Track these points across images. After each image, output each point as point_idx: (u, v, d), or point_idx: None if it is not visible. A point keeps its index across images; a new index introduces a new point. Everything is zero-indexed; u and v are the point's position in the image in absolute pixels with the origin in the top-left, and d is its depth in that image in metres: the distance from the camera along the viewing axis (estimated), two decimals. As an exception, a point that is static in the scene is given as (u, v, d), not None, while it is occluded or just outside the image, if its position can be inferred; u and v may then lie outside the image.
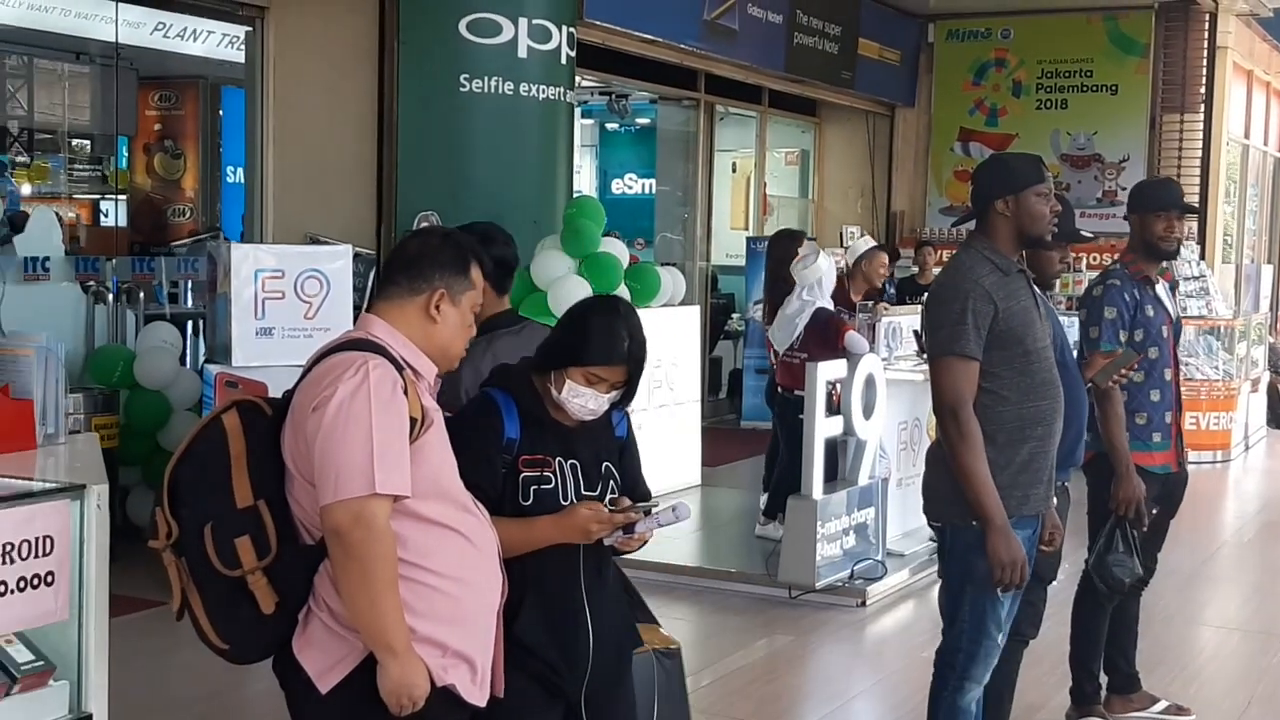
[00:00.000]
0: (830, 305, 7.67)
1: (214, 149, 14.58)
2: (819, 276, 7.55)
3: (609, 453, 3.25)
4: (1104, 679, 5.32)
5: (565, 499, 3.14)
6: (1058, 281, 5.35)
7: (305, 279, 6.72)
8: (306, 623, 2.78)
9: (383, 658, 2.69)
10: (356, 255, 7.57)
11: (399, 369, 2.77)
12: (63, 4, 10.99)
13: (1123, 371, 4.69)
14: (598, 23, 10.28)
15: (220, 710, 5.21)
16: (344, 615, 2.72)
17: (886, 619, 6.87)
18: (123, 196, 14.71)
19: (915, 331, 7.97)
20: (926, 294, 4.25)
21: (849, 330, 7.44)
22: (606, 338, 3.15)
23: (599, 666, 3.16)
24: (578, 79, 9.69)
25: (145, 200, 14.64)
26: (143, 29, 11.38)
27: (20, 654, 2.92)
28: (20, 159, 13.93)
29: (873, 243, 8.72)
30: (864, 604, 6.91)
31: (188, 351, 8.29)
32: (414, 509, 2.75)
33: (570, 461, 3.16)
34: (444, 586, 2.80)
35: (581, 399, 3.14)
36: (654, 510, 3.15)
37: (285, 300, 6.66)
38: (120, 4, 9.71)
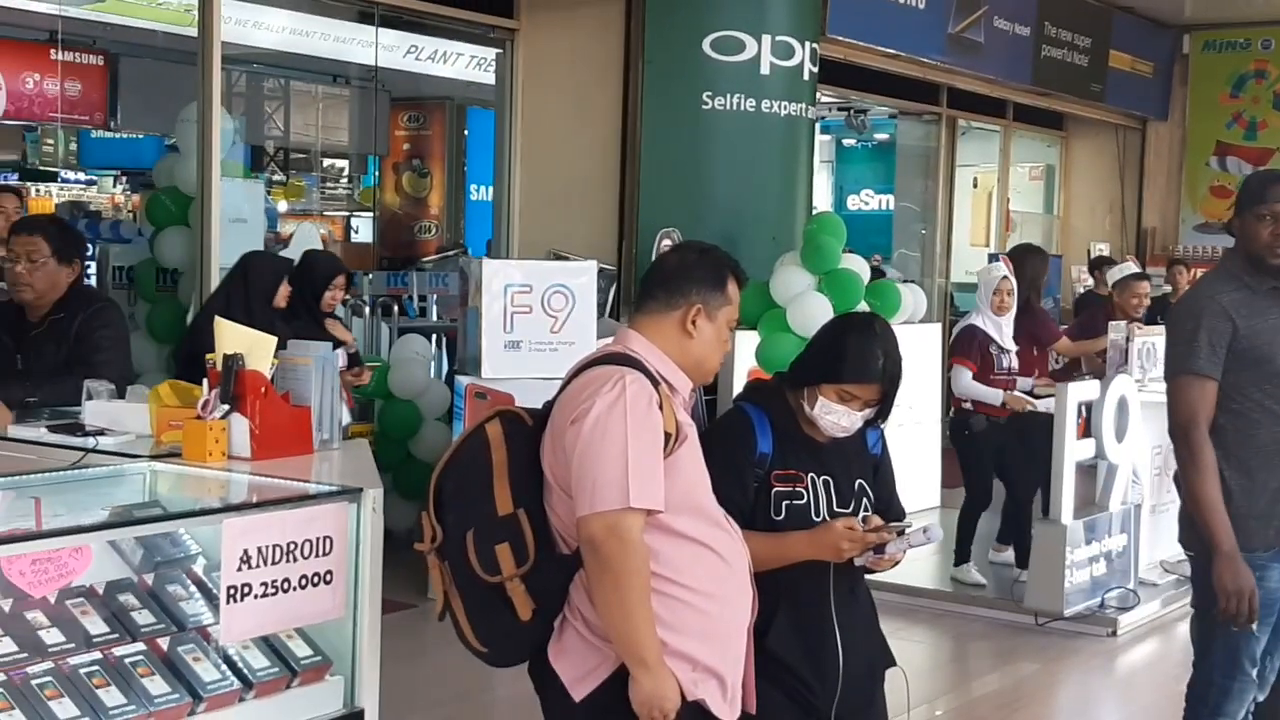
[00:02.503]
0: (985, 322, 7.08)
1: (459, 168, 15.05)
2: (981, 289, 7.21)
3: (863, 470, 3.23)
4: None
5: (817, 515, 3.13)
6: None
7: (552, 294, 6.88)
8: (562, 631, 2.84)
9: (635, 670, 2.73)
10: (599, 271, 7.71)
11: (655, 384, 2.80)
12: (323, 29, 11.50)
13: None
14: (840, 38, 10.23)
15: (468, 712, 5.35)
16: (598, 625, 2.77)
17: (1138, 650, 6.63)
18: (370, 213, 15.31)
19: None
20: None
21: (958, 362, 7.03)
22: (861, 356, 3.14)
23: (850, 685, 3.14)
24: (817, 95, 9.67)
25: (393, 217, 15.20)
26: (396, 52, 11.84)
27: (300, 649, 3.07)
28: (276, 177, 14.63)
29: (1132, 269, 8.42)
30: (1114, 634, 6.68)
31: (440, 363, 8.57)
32: (667, 523, 2.78)
33: (823, 477, 3.15)
34: (696, 601, 2.82)
35: (834, 416, 3.13)
36: (906, 531, 3.12)
37: (532, 314, 6.82)
38: (379, 28, 10.11)
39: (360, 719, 3.12)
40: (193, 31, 7.74)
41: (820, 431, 3.17)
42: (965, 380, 7.00)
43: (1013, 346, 7.12)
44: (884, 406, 3.19)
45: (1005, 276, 7.12)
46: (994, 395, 6.97)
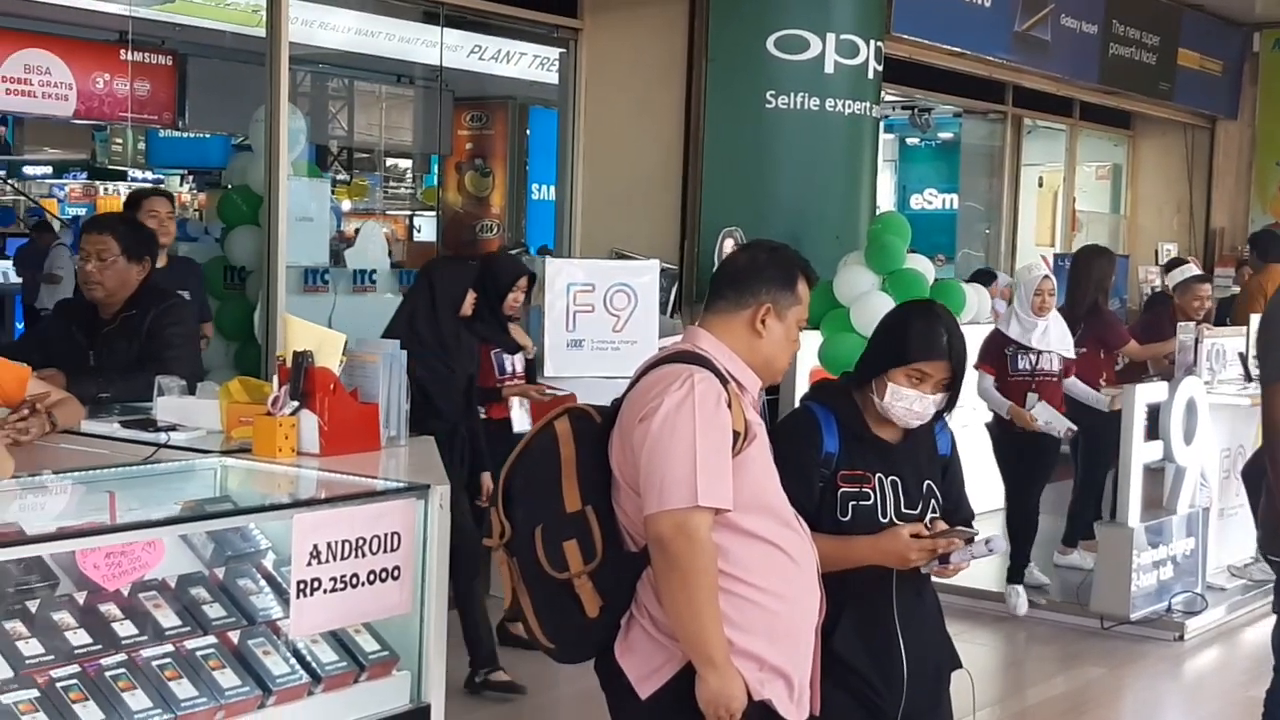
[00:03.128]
0: (1011, 323, 6.87)
1: (521, 167, 15.11)
2: (1021, 289, 6.96)
3: (931, 471, 3.20)
4: None
5: (884, 516, 3.11)
6: None
7: (614, 293, 6.90)
8: (629, 628, 2.84)
9: (702, 668, 2.72)
10: (661, 270, 7.72)
11: (724, 382, 2.80)
12: (388, 29, 11.58)
13: None
14: (905, 36, 10.17)
15: (530, 709, 5.36)
16: (665, 623, 2.77)
17: (1205, 655, 6.53)
18: (432, 212, 15.40)
19: (1240, 354, 7.58)
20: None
21: (978, 368, 6.81)
22: (926, 335, 3.13)
23: (915, 688, 3.12)
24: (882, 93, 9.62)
25: (455, 216, 15.28)
26: (460, 52, 11.89)
27: (368, 643, 3.10)
28: (340, 177, 14.76)
29: (1193, 271, 8.29)
30: (1182, 638, 6.59)
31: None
32: (736, 522, 2.77)
33: (891, 478, 3.13)
34: (763, 601, 2.81)
35: (906, 401, 3.10)
36: (974, 538, 3.09)
37: (595, 313, 6.85)
38: (444, 28, 10.17)
39: (426, 714, 3.14)
40: (259, 31, 7.82)
41: (889, 430, 3.15)
42: (982, 386, 6.85)
43: (1047, 347, 6.82)
44: (953, 389, 3.16)
45: (1046, 276, 6.94)
46: (1001, 405, 6.78)
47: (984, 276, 10.82)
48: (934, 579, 3.24)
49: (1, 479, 2.97)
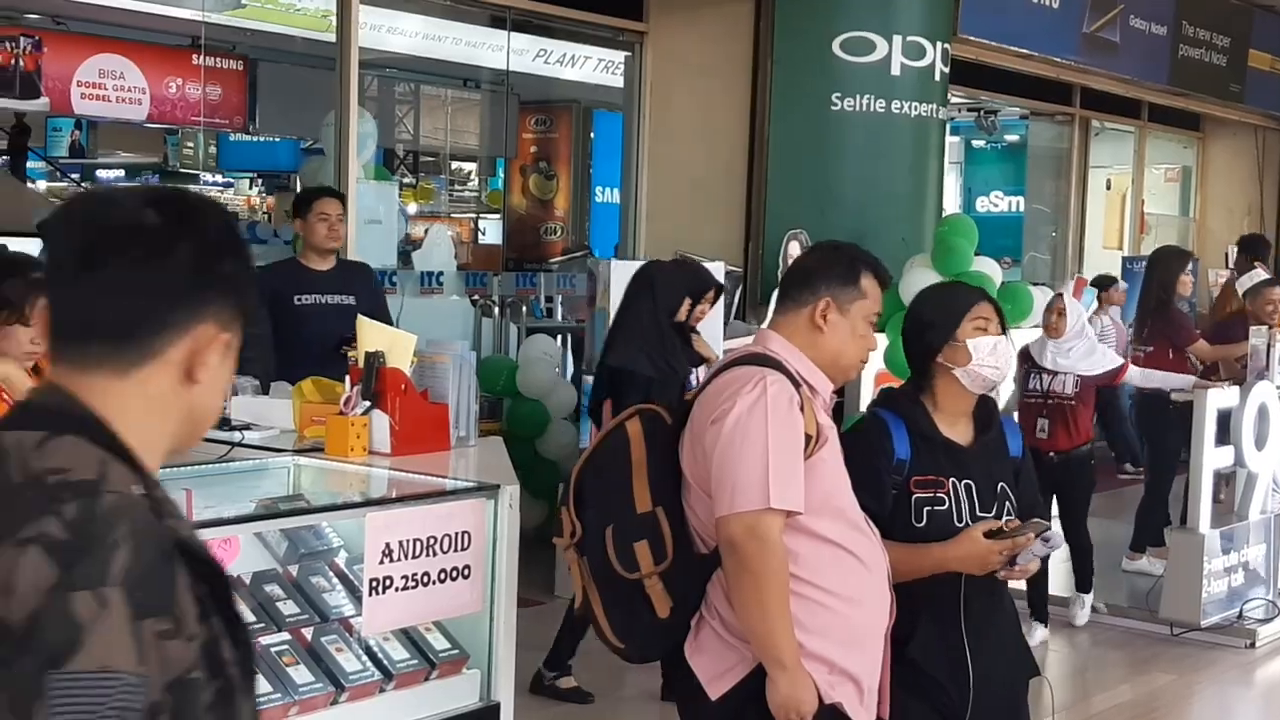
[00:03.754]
0: (1034, 344, 6.64)
1: (585, 170, 15.14)
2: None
3: (1004, 473, 3.17)
4: None
5: (959, 521, 3.08)
6: None
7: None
8: (699, 629, 2.85)
9: (772, 670, 2.72)
10: (726, 273, 7.71)
11: (795, 385, 2.80)
12: (455, 34, 11.66)
13: None
14: (972, 38, 10.11)
15: (597, 708, 5.38)
16: (735, 625, 2.76)
17: (1277, 662, 6.44)
18: (496, 215, 15.47)
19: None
20: None
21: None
22: (952, 290, 3.25)
23: (992, 694, 3.09)
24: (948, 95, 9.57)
25: (519, 219, 15.34)
26: (526, 56, 11.96)
27: (438, 641, 3.13)
28: (406, 180, 14.87)
29: (1262, 276, 8.18)
30: (1253, 645, 6.50)
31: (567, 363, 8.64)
32: (807, 525, 2.77)
33: (964, 481, 3.10)
34: (833, 604, 2.80)
35: (988, 347, 3.09)
36: (1048, 536, 3.06)
37: (660, 315, 6.82)
38: (511, 33, 10.23)
39: (496, 712, 3.17)
40: (328, 36, 7.90)
41: (964, 428, 3.12)
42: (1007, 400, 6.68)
43: (1064, 369, 6.50)
44: (1004, 327, 3.19)
45: (1058, 294, 6.69)
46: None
47: (1104, 281, 10.78)
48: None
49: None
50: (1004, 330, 3.17)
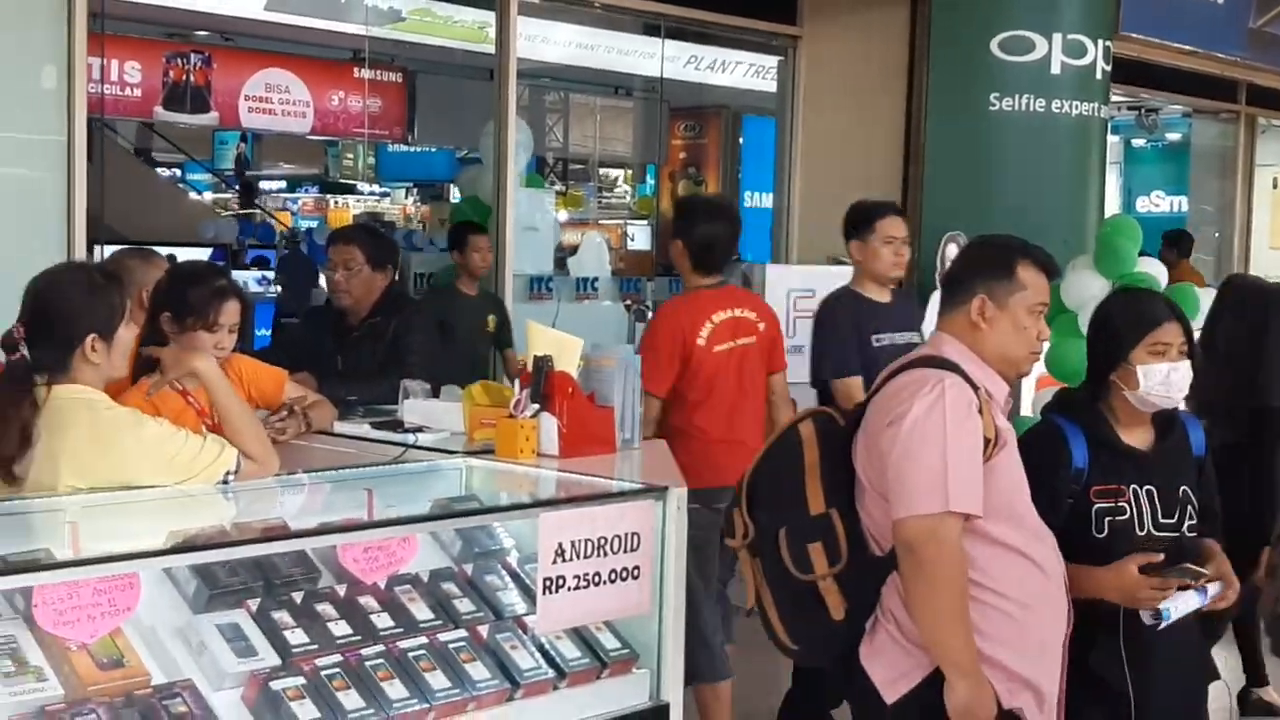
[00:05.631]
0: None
1: (734, 175, 15.13)
2: None
3: (1187, 475, 3.08)
4: None
5: (1141, 529, 3.00)
6: None
7: (834, 298, 6.83)
8: (874, 632, 2.83)
9: (951, 676, 2.69)
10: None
11: (974, 389, 2.77)
12: (609, 42, 11.75)
13: None
14: (1133, 35, 9.88)
15: (763, 712, 5.37)
16: (912, 629, 2.75)
17: None
18: (645, 221, 15.55)
19: None
20: None
21: None
22: (1147, 305, 3.09)
23: (1173, 702, 3.02)
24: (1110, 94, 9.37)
25: (669, 225, 15.35)
26: (677, 62, 12.01)
27: (609, 641, 3.15)
28: (556, 187, 15.05)
29: None
30: None
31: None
32: (984, 530, 2.73)
33: (1146, 488, 3.02)
34: (1011, 610, 2.76)
35: (1161, 375, 3.00)
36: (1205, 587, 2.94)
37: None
38: (665, 40, 10.28)
39: (665, 712, 3.17)
40: (485, 47, 8.02)
41: (1144, 433, 3.06)
42: None
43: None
44: (1192, 355, 3.07)
45: None
46: None
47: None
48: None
49: (269, 474, 3.15)
50: (1190, 351, 3.05)
